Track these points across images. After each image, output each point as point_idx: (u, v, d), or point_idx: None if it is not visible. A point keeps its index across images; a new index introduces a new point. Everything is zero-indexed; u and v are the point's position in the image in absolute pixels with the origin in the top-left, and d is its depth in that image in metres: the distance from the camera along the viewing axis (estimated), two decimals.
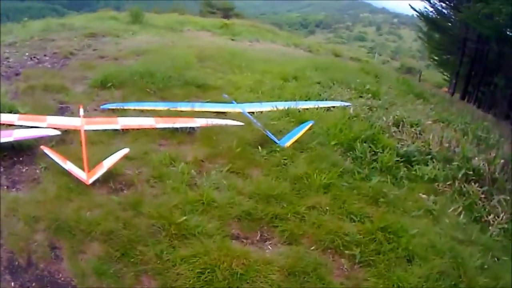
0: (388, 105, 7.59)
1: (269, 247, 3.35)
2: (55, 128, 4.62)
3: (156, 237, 3.22)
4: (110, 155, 4.02)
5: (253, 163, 4.45)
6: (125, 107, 5.48)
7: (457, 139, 6.11)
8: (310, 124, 5.33)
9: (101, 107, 5.53)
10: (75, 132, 4.63)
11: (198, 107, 5.68)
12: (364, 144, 5.10)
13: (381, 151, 5.04)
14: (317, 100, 6.92)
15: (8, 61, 7.40)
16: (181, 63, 7.35)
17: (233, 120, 5.35)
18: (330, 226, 3.53)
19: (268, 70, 8.45)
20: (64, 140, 4.58)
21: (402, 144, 5.45)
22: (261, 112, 5.86)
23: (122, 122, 4.94)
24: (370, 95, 7.97)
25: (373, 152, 5.01)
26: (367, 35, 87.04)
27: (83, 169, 3.76)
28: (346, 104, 6.90)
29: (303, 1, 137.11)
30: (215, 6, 34.97)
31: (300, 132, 5.06)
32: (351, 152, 4.97)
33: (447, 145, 5.72)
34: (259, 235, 3.46)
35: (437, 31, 18.30)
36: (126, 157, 4.15)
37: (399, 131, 6.05)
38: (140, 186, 3.85)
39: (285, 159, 4.55)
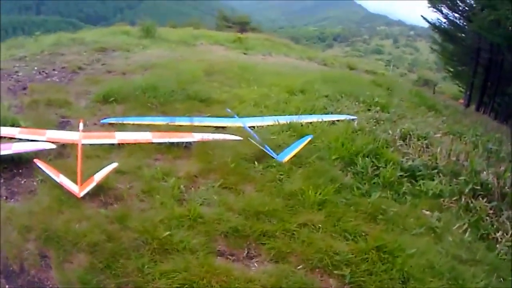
0: (396, 118, 7.43)
1: (255, 264, 3.24)
2: (54, 142, 4.65)
3: (139, 251, 3.18)
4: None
5: (247, 178, 4.34)
6: (125, 122, 5.48)
7: (466, 152, 5.89)
8: (309, 139, 5.20)
9: (101, 121, 5.54)
10: (74, 146, 4.62)
11: (198, 121, 5.63)
12: (366, 158, 4.96)
13: (384, 165, 4.88)
14: (322, 114, 6.80)
15: (18, 75, 7.51)
16: (187, 77, 7.35)
17: (232, 134, 5.26)
18: (320, 245, 3.39)
19: (276, 84, 8.37)
20: (62, 153, 4.60)
21: (407, 158, 5.28)
22: (263, 126, 5.77)
23: (119, 137, 4.92)
24: (378, 108, 7.82)
25: (376, 167, 4.86)
26: (384, 48, 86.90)
27: (76, 183, 3.77)
28: (352, 117, 6.75)
29: (319, 15, 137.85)
30: (231, 20, 35.26)
31: (298, 146, 4.93)
32: (352, 167, 4.82)
33: (454, 158, 5.53)
34: (245, 252, 3.35)
35: (450, 42, 17.96)
36: (119, 171, 4.16)
37: (406, 145, 5.88)
38: (129, 200, 3.82)
39: (281, 175, 4.42)
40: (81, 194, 3.69)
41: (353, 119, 6.62)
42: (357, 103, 7.98)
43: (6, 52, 9.16)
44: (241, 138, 5.11)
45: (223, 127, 5.63)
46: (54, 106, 5.98)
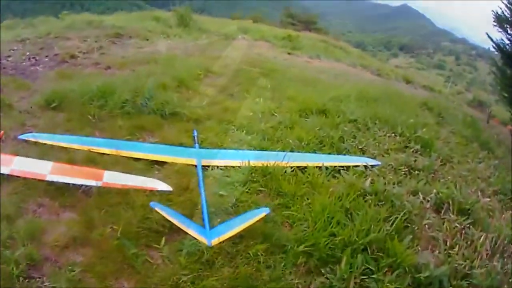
0: (439, 164, 4.90)
1: None
2: None
3: None
4: None
5: (128, 269, 2.40)
6: (42, 140, 3.63)
7: None
8: (263, 214, 2.92)
9: (19, 137, 3.72)
10: None
11: (126, 149, 3.61)
12: (359, 256, 2.75)
13: (384, 271, 2.67)
14: (329, 153, 4.47)
15: (7, 60, 5.99)
16: (171, 80, 5.28)
17: (159, 180, 3.19)
18: None
19: (293, 97, 6.05)
20: None
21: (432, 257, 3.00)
22: (225, 167, 3.63)
23: (14, 166, 3.12)
24: (419, 146, 5.25)
25: (368, 275, 2.66)
26: (446, 64, 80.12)
27: None
28: (372, 162, 4.32)
29: (389, 24, 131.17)
30: (296, 17, 32.23)
31: (245, 222, 2.75)
32: (328, 269, 2.66)
33: (498, 263, 3.10)
34: None
35: (510, 66, 14.63)
36: None
37: (439, 219, 3.56)
38: None
39: (184, 275, 2.37)
40: None
41: (372, 166, 4.24)
42: (392, 134, 5.43)
43: (19, 31, 7.77)
44: (171, 189, 3.07)
45: (162, 163, 3.57)
46: None
